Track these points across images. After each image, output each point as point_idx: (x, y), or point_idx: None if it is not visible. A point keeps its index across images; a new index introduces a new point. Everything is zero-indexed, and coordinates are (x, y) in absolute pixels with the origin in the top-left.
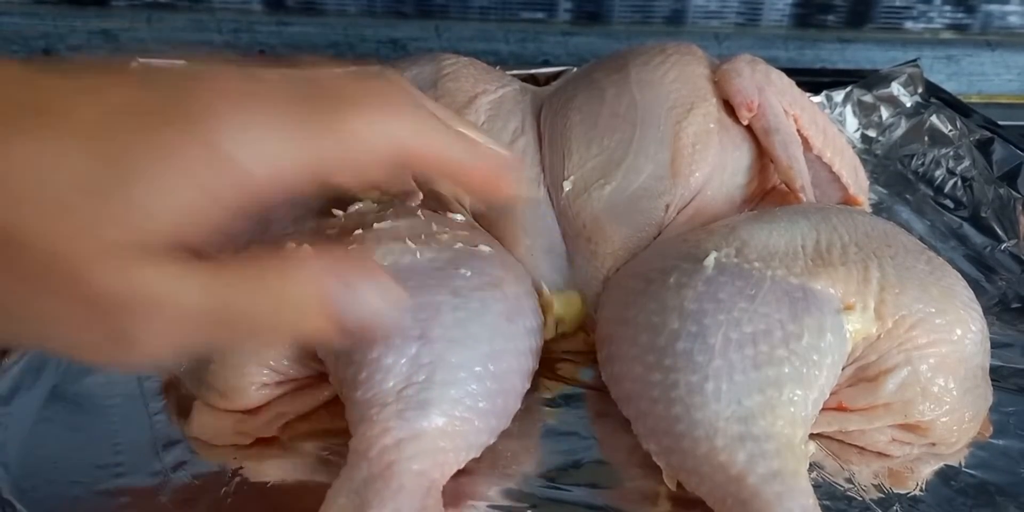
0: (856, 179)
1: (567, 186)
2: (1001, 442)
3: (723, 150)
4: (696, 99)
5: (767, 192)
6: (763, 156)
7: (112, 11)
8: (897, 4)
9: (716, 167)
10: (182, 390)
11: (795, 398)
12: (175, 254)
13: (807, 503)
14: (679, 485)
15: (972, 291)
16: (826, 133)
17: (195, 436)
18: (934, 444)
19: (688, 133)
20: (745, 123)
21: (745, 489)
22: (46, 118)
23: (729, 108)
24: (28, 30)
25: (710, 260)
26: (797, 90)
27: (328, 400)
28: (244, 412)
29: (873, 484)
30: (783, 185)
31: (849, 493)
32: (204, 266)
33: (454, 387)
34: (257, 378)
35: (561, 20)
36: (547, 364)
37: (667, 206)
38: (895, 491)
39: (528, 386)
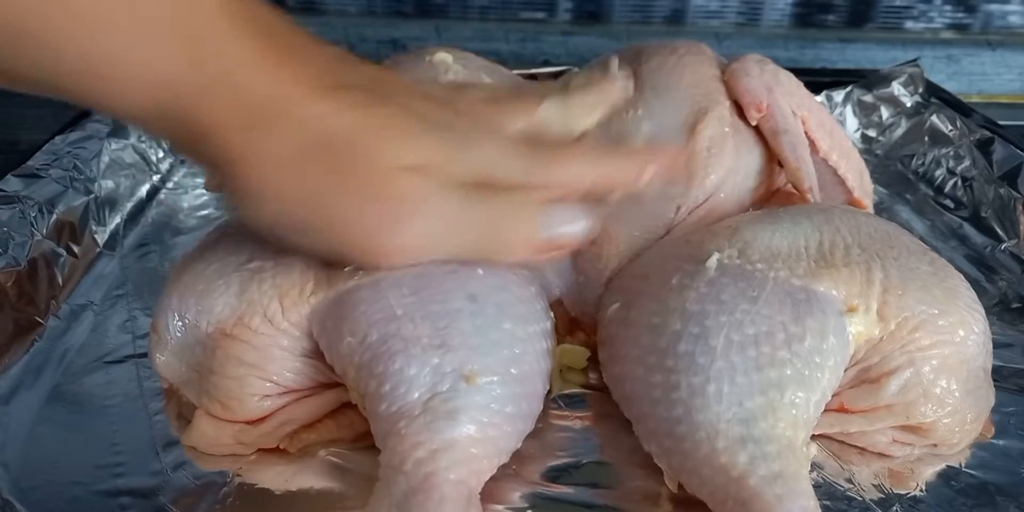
0: (861, 182)
1: None
2: (1002, 442)
3: (737, 154)
4: (710, 102)
5: (772, 193)
6: (772, 159)
7: None
8: (897, 4)
9: (730, 170)
10: (183, 398)
11: (797, 400)
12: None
13: (808, 505)
14: (680, 486)
15: (974, 292)
16: (833, 135)
17: (193, 445)
18: (935, 445)
19: (704, 137)
20: (754, 123)
21: (746, 491)
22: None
23: (740, 110)
24: None
25: (712, 261)
26: (805, 91)
27: (333, 409)
28: (246, 422)
29: (873, 484)
30: (788, 186)
31: (849, 493)
32: (461, 186)
33: (479, 394)
34: (259, 390)
35: (561, 20)
36: None
37: (678, 208)
38: (895, 491)
39: (547, 387)
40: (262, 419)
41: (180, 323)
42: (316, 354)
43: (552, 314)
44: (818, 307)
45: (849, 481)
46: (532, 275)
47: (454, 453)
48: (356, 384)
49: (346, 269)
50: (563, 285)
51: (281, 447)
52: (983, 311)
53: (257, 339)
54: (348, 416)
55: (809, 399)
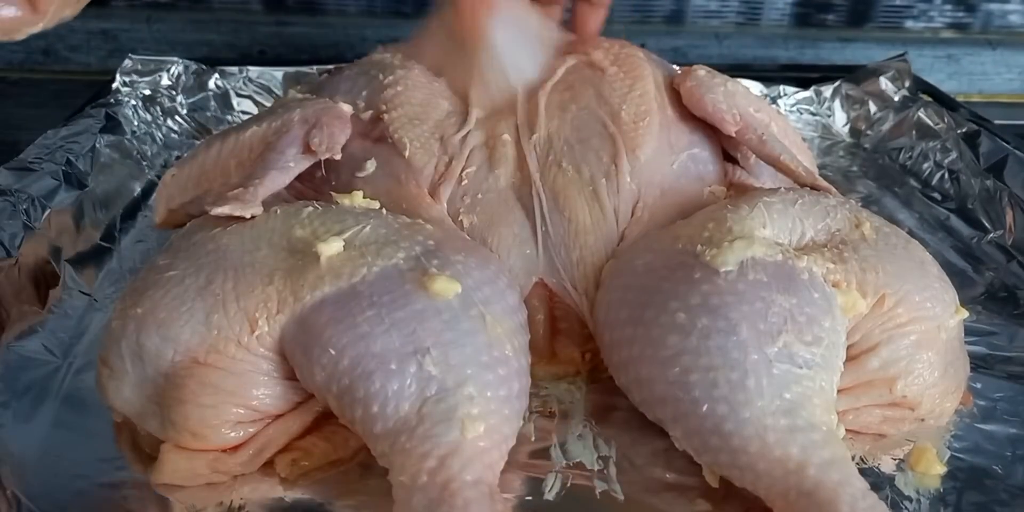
0: (810, 165)
1: (536, 145)
2: (989, 427)
3: (666, 131)
4: (636, 80)
5: (729, 186)
6: (715, 148)
7: (112, 11)
8: (897, 3)
9: (659, 149)
10: (140, 432)
11: (824, 384)
12: None
13: (864, 485)
14: (721, 480)
15: (950, 277)
16: (785, 128)
17: (166, 482)
18: (923, 420)
19: (629, 111)
20: (732, 134)
21: (807, 480)
22: None
23: (673, 95)
24: None
25: (716, 253)
26: (748, 91)
27: (319, 428)
28: (220, 451)
29: (863, 468)
30: (741, 178)
31: None
32: None
33: (468, 385)
34: (233, 416)
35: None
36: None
37: (607, 174)
38: (885, 474)
39: (530, 359)
40: (237, 447)
41: (138, 354)
42: (295, 375)
43: (519, 285)
44: (817, 287)
45: None
46: (490, 252)
47: (464, 453)
48: (342, 412)
49: (308, 278)
50: (531, 269)
51: (281, 475)
52: (949, 281)
53: (236, 365)
54: (341, 434)
55: (832, 381)
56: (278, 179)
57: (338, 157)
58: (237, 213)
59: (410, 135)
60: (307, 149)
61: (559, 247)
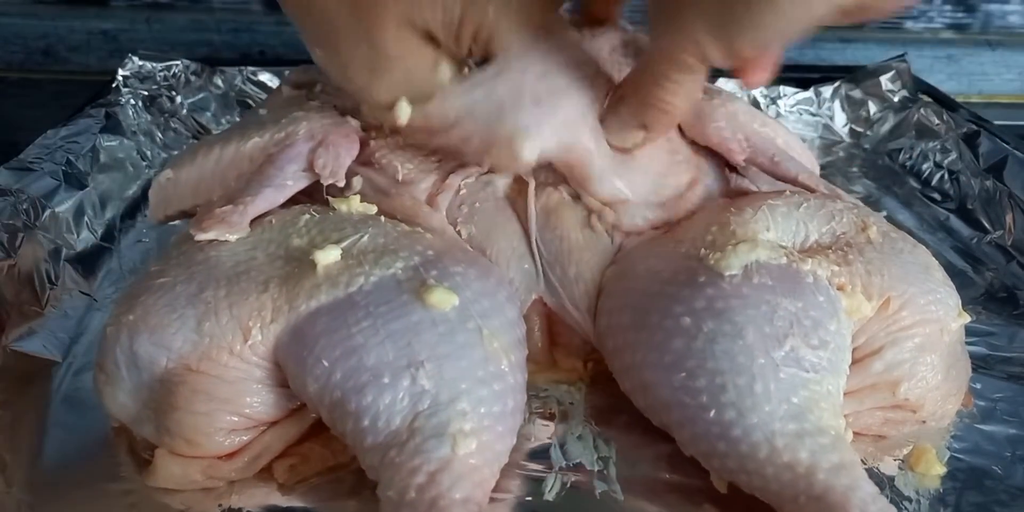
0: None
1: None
2: (988, 428)
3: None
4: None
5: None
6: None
7: (112, 11)
8: None
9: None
10: (136, 436)
11: (831, 388)
12: None
13: (873, 489)
14: (726, 486)
15: (950, 278)
16: (786, 137)
17: (160, 486)
18: (924, 422)
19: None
20: (742, 163)
21: (817, 485)
22: None
23: None
24: (28, 30)
25: (719, 257)
26: (745, 103)
27: (314, 434)
28: (215, 457)
29: (863, 469)
30: (739, 183)
31: None
32: None
33: (462, 400)
34: (227, 424)
35: None
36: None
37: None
38: (885, 474)
39: (526, 376)
40: (232, 454)
41: (132, 360)
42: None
43: (519, 299)
44: (822, 290)
45: None
46: (491, 264)
47: (453, 470)
48: (333, 424)
49: (304, 286)
50: (531, 284)
51: (279, 481)
52: (953, 285)
53: (228, 373)
54: (339, 440)
55: (839, 385)
56: (272, 197)
57: (341, 184)
58: (223, 238)
59: (400, 159)
60: (310, 167)
61: (554, 265)
